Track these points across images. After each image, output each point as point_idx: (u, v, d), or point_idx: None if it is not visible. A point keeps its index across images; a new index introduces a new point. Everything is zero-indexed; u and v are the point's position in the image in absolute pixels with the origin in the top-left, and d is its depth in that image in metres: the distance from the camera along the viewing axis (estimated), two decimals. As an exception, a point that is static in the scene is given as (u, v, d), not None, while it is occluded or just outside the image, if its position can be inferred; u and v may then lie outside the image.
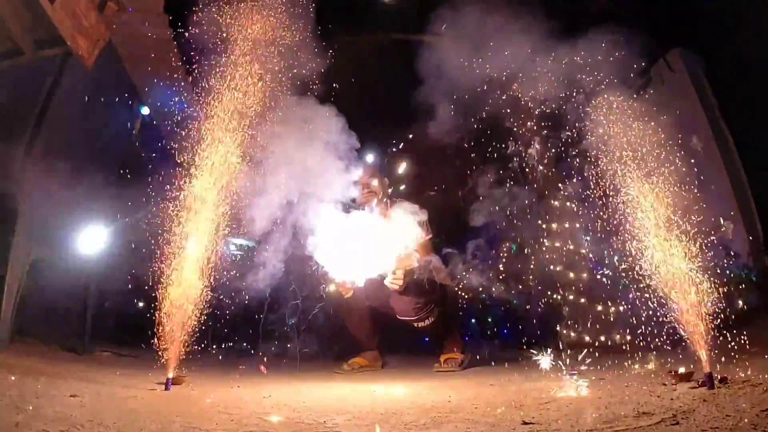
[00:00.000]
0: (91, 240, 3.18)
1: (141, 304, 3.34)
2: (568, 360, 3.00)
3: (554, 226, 4.27)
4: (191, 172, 2.40)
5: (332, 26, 3.39)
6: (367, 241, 2.81)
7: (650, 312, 1.97)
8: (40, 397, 1.53)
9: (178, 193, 2.35)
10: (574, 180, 4.50)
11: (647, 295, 1.96)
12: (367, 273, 2.83)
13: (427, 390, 2.16)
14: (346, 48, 3.87)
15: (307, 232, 2.91)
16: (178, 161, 2.48)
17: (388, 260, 2.84)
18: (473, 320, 4.78)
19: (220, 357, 3.41)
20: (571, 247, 4.13)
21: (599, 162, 4.27)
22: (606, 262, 3.72)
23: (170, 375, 2.03)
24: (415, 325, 3.01)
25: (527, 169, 4.72)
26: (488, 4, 3.75)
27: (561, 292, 3.97)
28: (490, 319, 4.73)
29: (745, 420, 1.23)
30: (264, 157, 2.91)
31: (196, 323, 2.17)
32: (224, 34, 2.81)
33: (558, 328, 3.82)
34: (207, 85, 2.65)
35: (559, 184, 4.40)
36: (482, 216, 4.40)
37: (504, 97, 4.46)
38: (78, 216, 3.04)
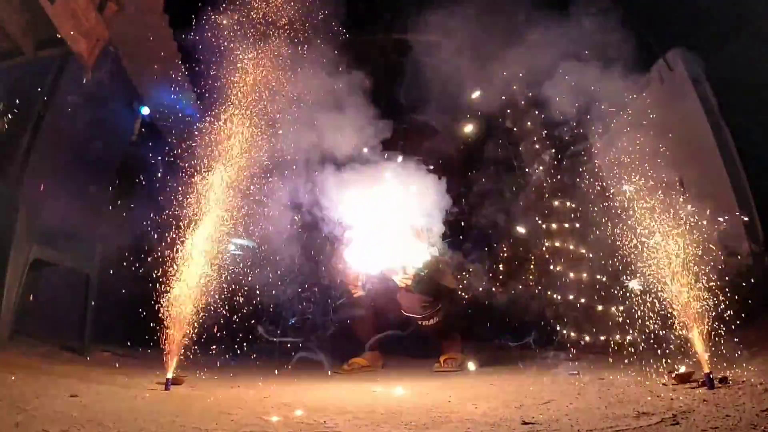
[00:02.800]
0: (92, 239, 3.18)
1: (141, 304, 3.33)
2: (568, 360, 3.00)
3: (554, 226, 4.27)
4: (196, 170, 2.40)
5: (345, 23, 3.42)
6: (385, 238, 2.90)
7: (650, 312, 1.97)
8: (40, 397, 1.53)
9: (180, 193, 2.35)
10: (575, 180, 4.51)
11: (647, 295, 1.97)
12: (380, 267, 2.91)
13: (427, 390, 2.16)
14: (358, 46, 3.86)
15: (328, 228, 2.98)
16: (182, 159, 2.49)
17: (401, 258, 2.92)
18: (473, 321, 4.77)
19: (225, 356, 3.40)
20: (572, 247, 4.13)
21: (599, 162, 4.28)
22: (606, 262, 3.72)
23: (170, 375, 2.03)
24: (420, 322, 3.06)
25: (528, 170, 4.72)
26: (487, 4, 3.75)
27: (561, 293, 3.97)
28: (490, 320, 4.73)
29: (745, 420, 1.23)
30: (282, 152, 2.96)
31: (197, 323, 2.18)
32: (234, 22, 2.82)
33: (558, 329, 3.81)
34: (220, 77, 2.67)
35: (560, 184, 4.40)
36: (486, 219, 4.41)
37: (503, 98, 4.47)
38: (78, 216, 3.04)
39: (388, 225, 3.01)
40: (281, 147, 3.02)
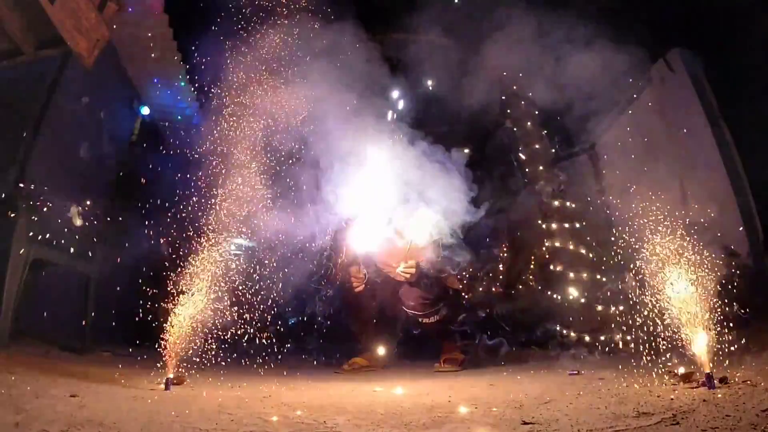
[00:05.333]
0: (92, 239, 3.18)
1: (142, 304, 3.33)
2: (568, 359, 3.00)
3: (554, 226, 4.27)
4: (196, 168, 2.41)
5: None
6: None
7: (651, 312, 1.97)
8: (40, 397, 1.53)
9: (181, 193, 2.36)
10: (576, 181, 4.51)
11: (647, 295, 1.96)
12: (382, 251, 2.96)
13: (427, 390, 2.16)
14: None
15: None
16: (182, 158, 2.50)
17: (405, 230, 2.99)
18: (474, 321, 4.77)
19: (227, 358, 3.41)
20: (572, 247, 4.13)
21: (600, 161, 4.27)
22: (607, 263, 3.72)
23: (170, 375, 2.03)
24: (421, 320, 3.06)
25: (528, 170, 4.72)
26: (487, 3, 3.75)
27: (561, 293, 3.98)
28: (491, 320, 4.73)
29: (745, 420, 1.23)
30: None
31: (197, 323, 2.18)
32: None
33: (558, 328, 3.81)
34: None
35: (560, 185, 4.40)
36: (488, 222, 4.41)
37: (504, 98, 4.46)
38: (78, 215, 3.04)
39: (392, 208, 3.03)
40: (283, 137, 3.02)
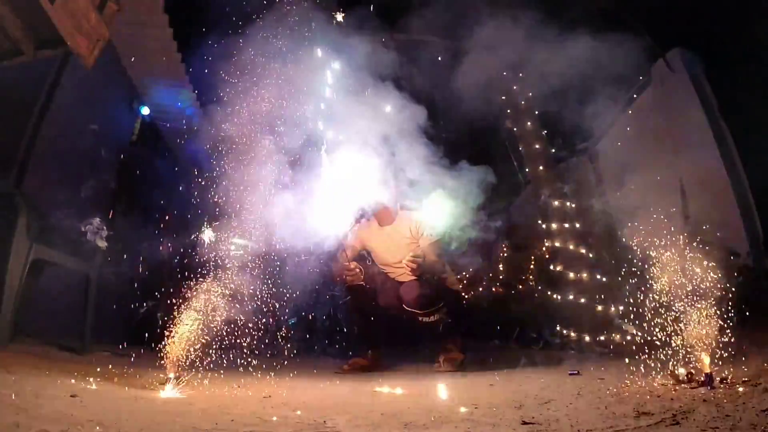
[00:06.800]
0: (92, 239, 3.18)
1: (142, 304, 3.33)
2: (567, 359, 3.00)
3: (554, 226, 4.27)
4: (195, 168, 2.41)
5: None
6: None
7: (650, 312, 1.97)
8: (39, 397, 1.53)
9: (180, 193, 2.36)
10: (574, 180, 4.50)
11: (647, 295, 1.97)
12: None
13: (427, 390, 2.16)
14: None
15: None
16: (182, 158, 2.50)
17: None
18: (473, 320, 4.77)
19: (224, 357, 3.41)
20: (571, 247, 4.13)
21: (600, 161, 4.27)
22: (606, 262, 3.71)
23: (170, 375, 2.03)
24: (420, 318, 3.05)
25: (528, 170, 4.71)
26: (487, 3, 3.75)
27: (561, 292, 3.97)
28: (490, 320, 4.73)
29: (745, 420, 1.23)
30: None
31: (198, 323, 2.18)
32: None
33: (558, 328, 3.81)
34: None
35: (559, 184, 4.39)
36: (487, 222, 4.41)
37: (504, 98, 4.46)
38: (78, 215, 3.04)
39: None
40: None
